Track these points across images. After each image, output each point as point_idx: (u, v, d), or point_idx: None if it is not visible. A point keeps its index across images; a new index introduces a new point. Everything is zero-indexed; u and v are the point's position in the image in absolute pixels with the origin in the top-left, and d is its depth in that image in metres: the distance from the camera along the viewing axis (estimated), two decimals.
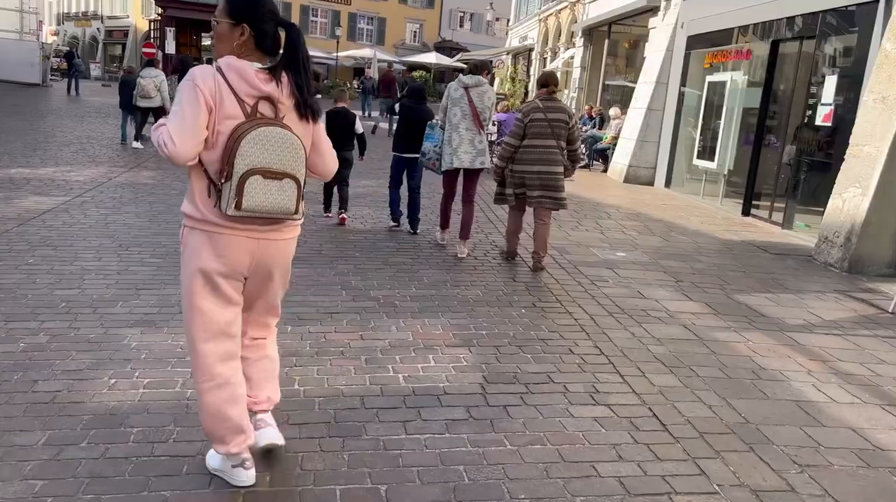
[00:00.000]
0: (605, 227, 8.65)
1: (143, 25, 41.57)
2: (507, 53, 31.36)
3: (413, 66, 40.45)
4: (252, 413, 2.67)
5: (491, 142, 11.15)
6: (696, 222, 9.60)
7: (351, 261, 6.12)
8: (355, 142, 7.63)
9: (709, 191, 11.95)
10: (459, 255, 6.55)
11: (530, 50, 27.74)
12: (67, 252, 5.74)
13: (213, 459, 2.66)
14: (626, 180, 13.41)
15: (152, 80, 12.89)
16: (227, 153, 2.28)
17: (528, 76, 27.23)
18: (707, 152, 11.85)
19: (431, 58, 39.94)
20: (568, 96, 20.68)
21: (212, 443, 2.61)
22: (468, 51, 41.02)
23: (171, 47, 18.30)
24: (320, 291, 5.16)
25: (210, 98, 2.27)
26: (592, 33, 19.25)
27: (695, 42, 12.52)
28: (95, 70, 44.65)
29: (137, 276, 5.22)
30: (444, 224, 7.04)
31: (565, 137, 6.09)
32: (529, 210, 6.43)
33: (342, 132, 7.36)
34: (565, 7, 22.54)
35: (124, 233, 6.54)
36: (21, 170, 9.48)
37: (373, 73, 26.77)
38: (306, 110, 2.44)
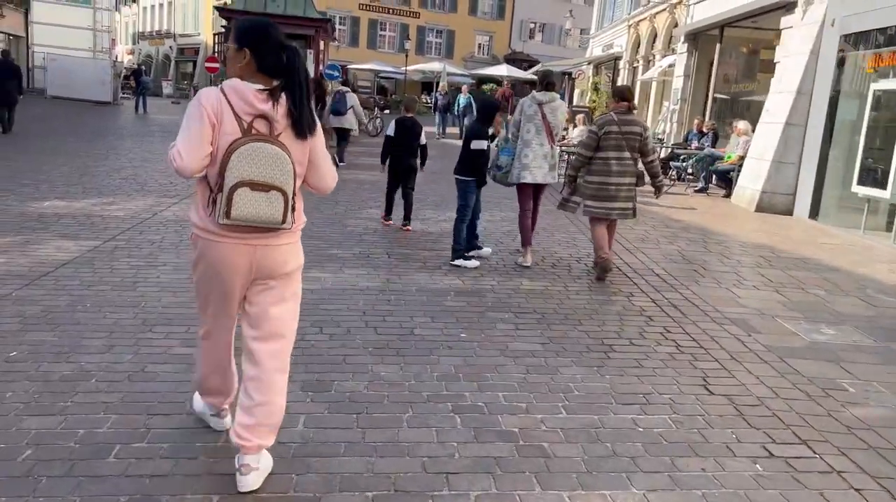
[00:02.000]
0: (776, 283, 6.57)
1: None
2: (589, 63, 29.23)
3: (483, 80, 38.82)
4: (240, 453, 2.67)
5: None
6: (884, 271, 7.39)
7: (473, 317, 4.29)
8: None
9: (872, 225, 9.66)
10: (524, 264, 6.54)
11: (616, 59, 25.56)
12: (68, 337, 4.11)
13: (197, 403, 3.13)
14: (759, 208, 11.19)
15: None
16: (222, 166, 2.49)
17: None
18: (872, 176, 9.57)
19: (503, 70, 38.11)
20: (668, 108, 18.46)
21: (199, 391, 3.04)
22: (539, 62, 39.11)
23: None
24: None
25: (213, 115, 2.50)
26: (698, 38, 17.01)
27: (851, 42, 10.26)
28: (167, 87, 44.78)
29: (152, 387, 3.51)
30: (528, 240, 6.70)
31: (639, 149, 6.19)
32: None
33: (409, 140, 7.82)
34: (663, 10, 20.34)
35: (153, 300, 4.89)
36: (56, 202, 8.09)
37: (443, 87, 25.11)
38: (302, 128, 2.58)
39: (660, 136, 17.42)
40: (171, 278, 5.43)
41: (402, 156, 7.88)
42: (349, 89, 13.67)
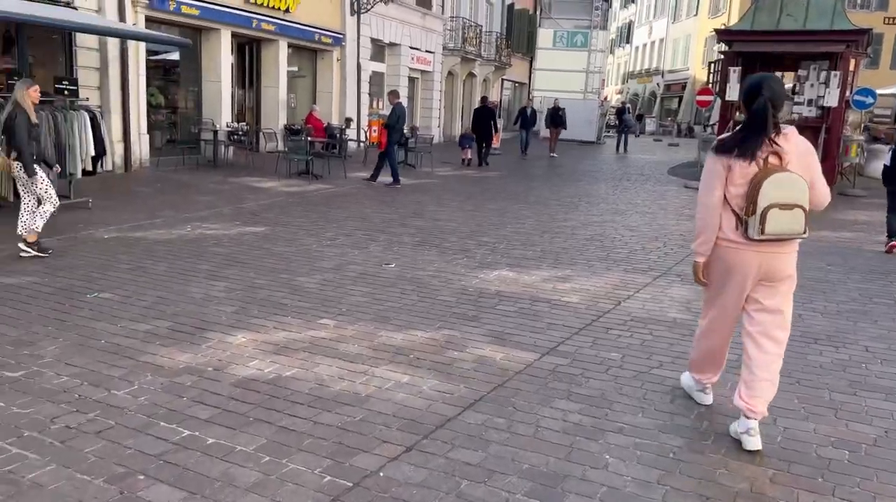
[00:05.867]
0: None
1: (702, 76, 38.96)
2: None
3: None
4: (744, 419, 3.29)
5: None
6: None
7: None
8: None
9: None
10: None
11: None
12: None
13: (685, 379, 3.90)
14: None
15: None
16: (751, 194, 3.14)
17: None
18: None
19: None
20: None
21: (692, 369, 3.78)
22: None
23: (732, 92, 14.12)
24: None
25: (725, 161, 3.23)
26: None
27: None
28: (650, 124, 44.08)
29: None
30: None
31: None
32: None
33: None
34: None
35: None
36: (505, 273, 6.55)
37: None
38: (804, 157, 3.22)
39: None
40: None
41: None
42: None
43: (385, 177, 12.43)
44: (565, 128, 22.06)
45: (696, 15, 44.05)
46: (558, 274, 6.58)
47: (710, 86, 17.09)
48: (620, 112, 27.94)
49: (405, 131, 17.68)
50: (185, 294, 5.37)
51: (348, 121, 17.91)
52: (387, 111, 14.30)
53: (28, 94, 6.19)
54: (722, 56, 15.78)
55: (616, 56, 59.85)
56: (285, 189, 11.55)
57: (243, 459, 2.99)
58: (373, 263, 6.70)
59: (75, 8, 10.96)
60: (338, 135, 15.99)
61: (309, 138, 13.62)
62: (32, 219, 6.31)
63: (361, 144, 18.05)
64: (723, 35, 15.88)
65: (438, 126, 25.28)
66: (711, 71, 16.68)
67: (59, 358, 3.99)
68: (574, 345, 4.60)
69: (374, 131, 17.68)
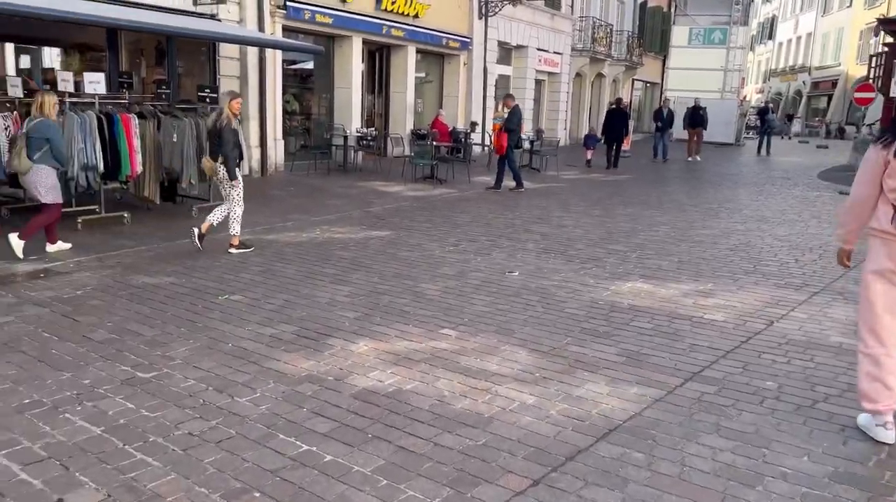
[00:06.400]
0: None
1: (856, 72, 35.71)
2: None
3: None
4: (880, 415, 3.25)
5: None
6: None
7: None
8: None
9: None
10: None
11: None
12: None
13: (862, 419, 3.41)
14: None
15: None
16: None
17: None
18: None
19: None
20: None
21: (861, 402, 3.36)
22: None
23: None
24: None
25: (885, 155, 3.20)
26: None
27: None
28: (796, 125, 40.98)
29: None
30: None
31: None
32: None
33: None
34: None
35: None
36: (638, 285, 6.10)
37: None
38: None
39: None
40: None
41: None
42: None
43: (508, 182, 12.18)
44: (706, 129, 20.77)
45: (849, 6, 40.45)
46: (699, 287, 6.03)
47: (871, 82, 15.46)
48: (763, 112, 26.00)
49: (530, 134, 17.42)
50: (311, 298, 5.37)
51: (473, 125, 17.83)
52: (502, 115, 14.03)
53: (231, 105, 6.68)
54: (886, 49, 14.21)
55: (756, 53, 56.21)
56: (410, 193, 11.57)
57: (360, 481, 2.82)
58: (496, 271, 6.45)
59: (219, 20, 11.55)
60: (462, 140, 15.92)
61: (434, 143, 13.62)
62: (223, 220, 6.81)
63: (486, 148, 17.91)
64: (886, 25, 14.32)
65: (565, 129, 24.70)
66: (873, 65, 15.08)
67: (188, 360, 4.04)
68: (721, 371, 4.12)
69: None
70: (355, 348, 4.32)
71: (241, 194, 6.84)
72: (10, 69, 14.21)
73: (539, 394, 3.70)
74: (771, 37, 54.40)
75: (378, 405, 3.52)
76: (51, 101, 6.36)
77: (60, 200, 6.49)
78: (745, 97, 39.08)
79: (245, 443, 3.09)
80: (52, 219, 6.43)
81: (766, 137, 23.62)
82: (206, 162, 6.83)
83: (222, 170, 6.68)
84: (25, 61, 15.30)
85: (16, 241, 6.16)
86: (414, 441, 3.16)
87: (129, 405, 3.42)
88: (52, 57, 15.11)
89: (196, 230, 6.73)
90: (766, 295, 5.84)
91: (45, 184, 6.27)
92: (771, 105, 34.28)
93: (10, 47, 14.66)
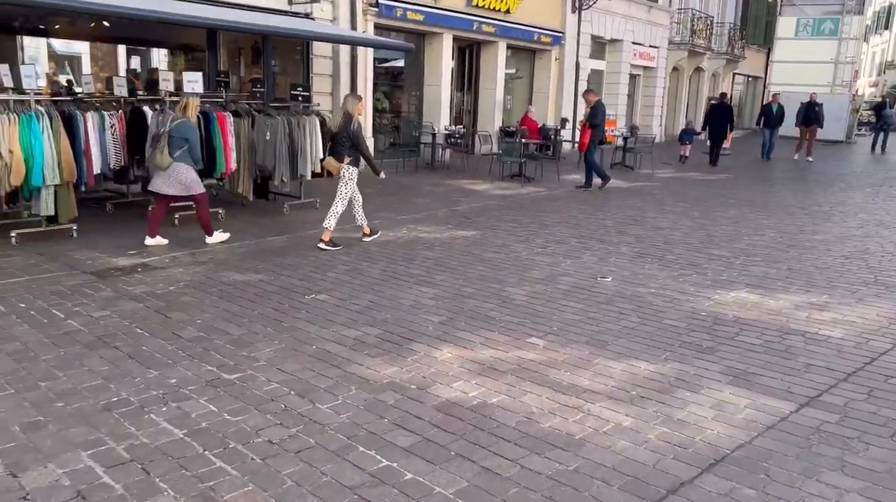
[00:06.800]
0: None
1: None
2: None
3: None
4: None
5: None
6: None
7: None
8: None
9: None
10: None
11: None
12: None
13: None
14: None
15: None
16: None
17: None
18: None
19: None
20: None
21: None
22: None
23: None
24: None
25: None
26: None
27: None
28: None
29: None
30: None
31: None
32: None
33: None
34: None
35: None
36: (743, 295, 5.65)
37: None
38: None
39: None
40: None
41: None
42: None
43: (595, 180, 11.76)
44: (821, 127, 19.46)
45: None
46: (813, 299, 5.52)
47: None
48: (880, 107, 24.12)
49: (623, 130, 16.82)
50: (395, 299, 5.26)
51: (564, 121, 17.39)
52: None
53: (358, 107, 6.97)
54: None
55: (870, 44, 52.43)
56: (497, 192, 11.35)
57: None
58: (586, 275, 6.15)
59: (313, 19, 11.69)
60: (552, 137, 15.53)
61: (523, 140, 13.33)
62: (348, 212, 7.09)
63: (575, 145, 17.43)
64: None
65: (660, 125, 23.78)
66: None
67: (272, 361, 4.00)
68: (843, 396, 3.70)
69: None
70: (439, 355, 4.17)
71: (349, 194, 6.99)
72: (121, 69, 14.95)
73: (636, 416, 3.42)
74: (888, 26, 50.60)
75: (462, 419, 3.35)
76: (193, 103, 6.67)
77: (204, 190, 6.84)
78: (857, 91, 36.51)
79: (324, 455, 2.98)
80: (205, 207, 6.83)
81: (883, 134, 21.93)
82: (332, 163, 7.02)
83: (349, 170, 6.90)
84: (136, 62, 16.07)
85: (209, 239, 6.84)
86: (499, 461, 2.96)
87: (211, 408, 3.39)
88: (159, 57, 15.83)
89: (363, 232, 7.27)
90: (891, 309, 5.28)
91: (187, 179, 6.61)
92: (888, 100, 31.80)
93: (122, 49, 15.41)
